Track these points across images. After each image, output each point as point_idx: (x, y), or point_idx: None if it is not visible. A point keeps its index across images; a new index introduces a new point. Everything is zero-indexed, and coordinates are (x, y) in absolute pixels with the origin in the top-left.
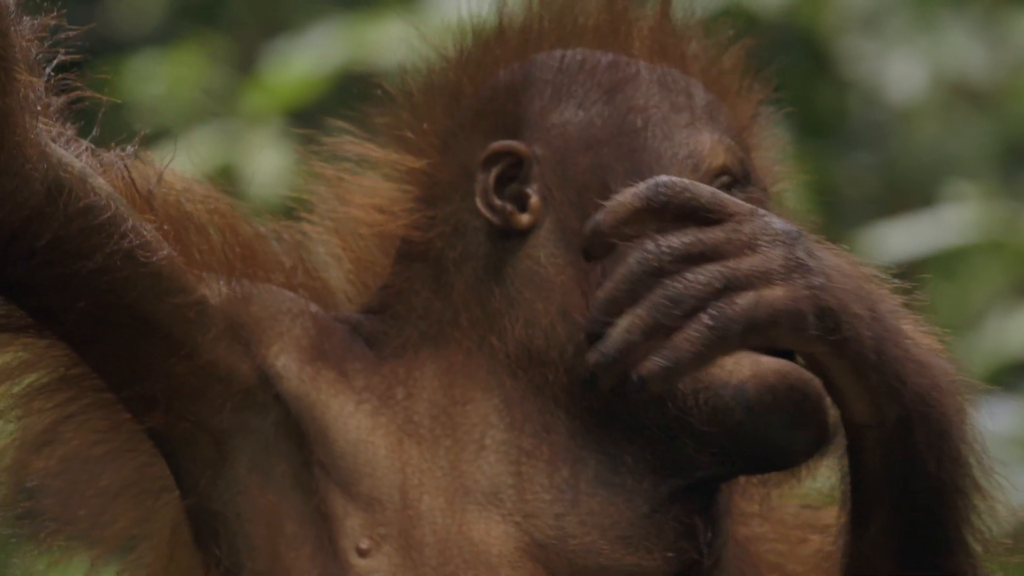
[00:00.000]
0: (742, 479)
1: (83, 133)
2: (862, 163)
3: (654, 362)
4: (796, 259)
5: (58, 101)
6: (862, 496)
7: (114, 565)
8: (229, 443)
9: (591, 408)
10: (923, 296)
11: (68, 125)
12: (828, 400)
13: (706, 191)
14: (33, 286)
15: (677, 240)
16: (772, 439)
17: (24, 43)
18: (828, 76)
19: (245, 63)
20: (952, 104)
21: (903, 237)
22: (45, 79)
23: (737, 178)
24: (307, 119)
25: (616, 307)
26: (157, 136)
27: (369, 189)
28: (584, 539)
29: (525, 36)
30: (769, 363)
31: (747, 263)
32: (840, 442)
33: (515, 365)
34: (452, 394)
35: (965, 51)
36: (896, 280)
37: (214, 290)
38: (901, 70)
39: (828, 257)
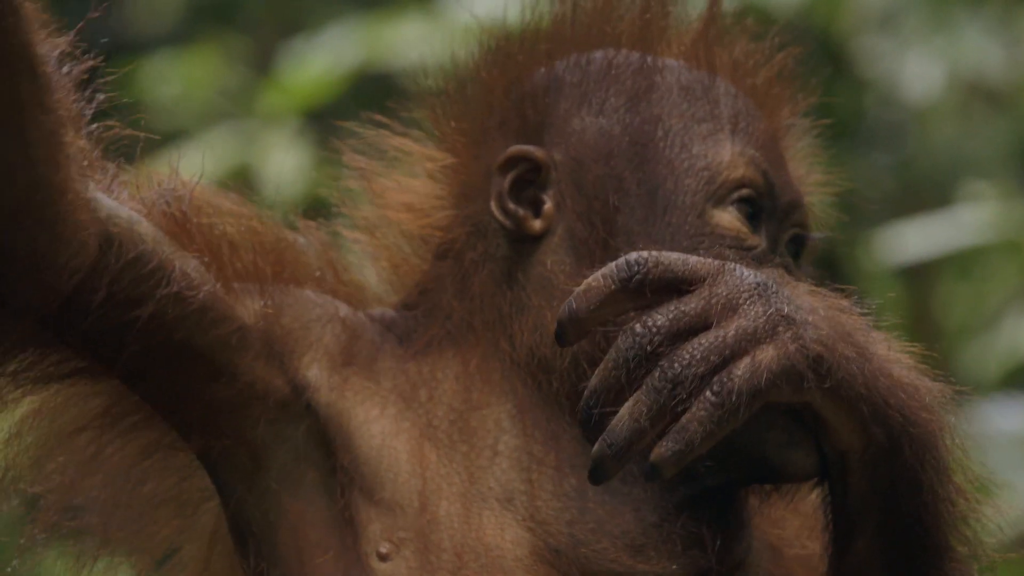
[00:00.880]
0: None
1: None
2: (878, 163)
3: (667, 448)
4: (776, 311)
5: (97, 144)
6: (847, 516)
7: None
8: (264, 454)
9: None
10: (895, 311)
11: (108, 165)
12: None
13: (675, 260)
14: (88, 338)
15: (662, 318)
16: (769, 456)
17: (67, 101)
18: (845, 76)
19: (262, 63)
20: (969, 104)
21: (919, 237)
22: (86, 123)
23: (759, 191)
24: (324, 119)
25: (612, 395)
26: (174, 136)
27: (401, 186)
28: (596, 546)
29: (557, 37)
30: None
31: (733, 328)
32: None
33: (525, 371)
34: (469, 398)
35: (981, 51)
36: (862, 300)
37: (249, 308)
38: (917, 70)
39: (802, 298)
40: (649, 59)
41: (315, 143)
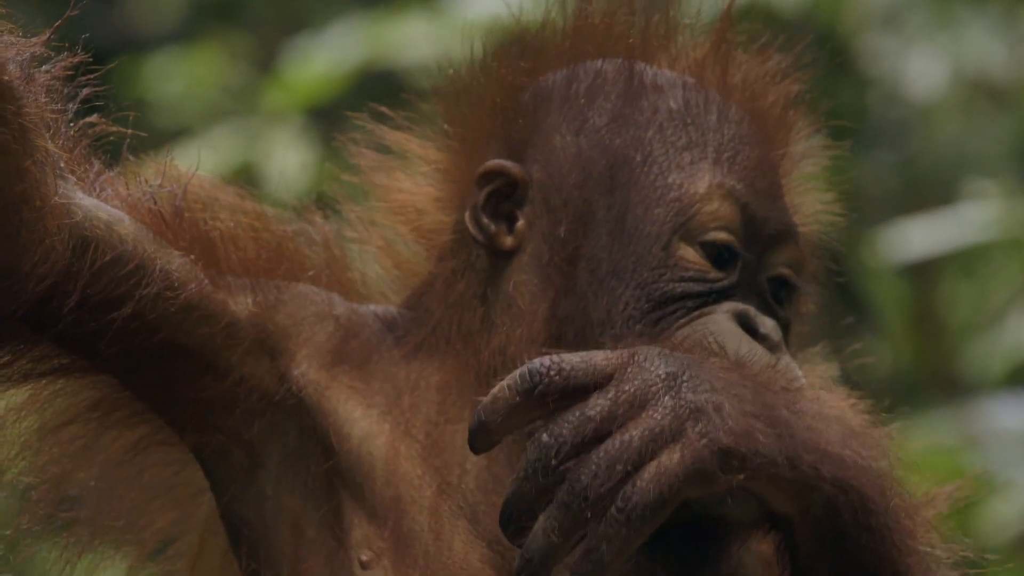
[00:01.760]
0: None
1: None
2: (882, 161)
3: (582, 569)
4: (685, 403)
5: (82, 141)
6: (799, 563)
7: (150, 568)
8: (259, 451)
9: None
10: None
11: (94, 163)
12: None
13: (577, 365)
14: (66, 338)
15: (568, 427)
16: (710, 510)
17: (34, 107)
18: (848, 74)
19: (265, 61)
20: (972, 102)
21: (923, 235)
22: (68, 117)
23: (732, 226)
24: (327, 117)
25: (527, 505)
26: (178, 134)
27: (403, 184)
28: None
29: (556, 46)
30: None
31: (639, 431)
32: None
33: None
34: (445, 411)
35: (985, 49)
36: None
37: (241, 304)
38: (921, 68)
39: (716, 378)
40: (641, 77)
41: (319, 141)
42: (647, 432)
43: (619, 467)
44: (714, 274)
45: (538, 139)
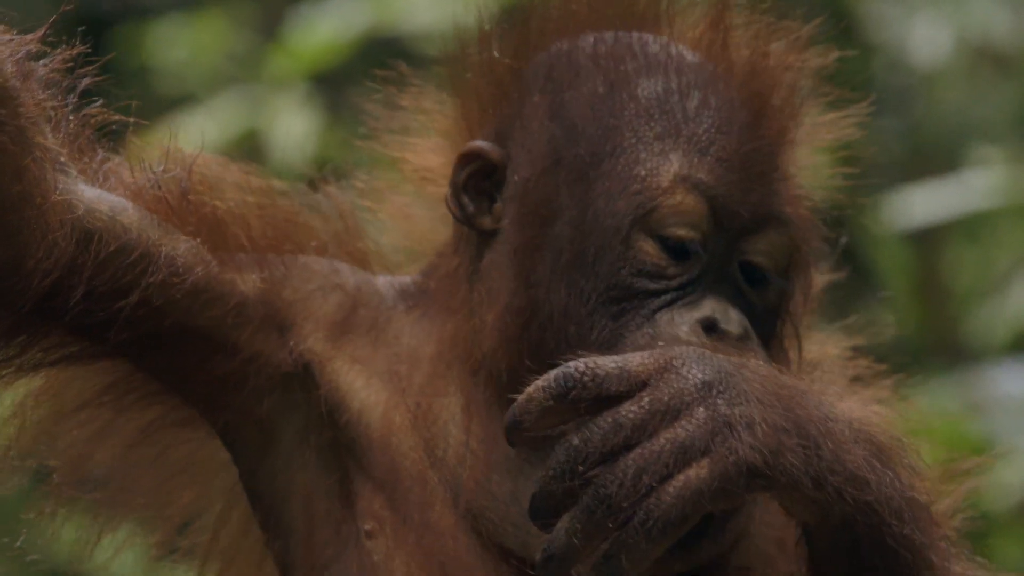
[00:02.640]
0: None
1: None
2: (887, 128)
3: (601, 572)
4: (717, 416)
5: (85, 130)
6: (817, 562)
7: (173, 545)
8: (272, 427)
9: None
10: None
11: (96, 151)
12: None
13: (612, 368)
14: (75, 327)
15: (597, 434)
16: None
17: (38, 98)
18: (853, 40)
19: (269, 27)
20: (976, 68)
21: (927, 201)
22: (69, 108)
23: (695, 219)
24: (332, 84)
25: (553, 503)
26: (181, 101)
27: (417, 150)
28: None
29: (550, 22)
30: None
31: (669, 442)
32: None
33: (472, 367)
34: (435, 384)
35: (989, 15)
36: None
37: (249, 282)
38: (926, 34)
39: (750, 389)
40: (626, 60)
41: (323, 107)
42: (677, 445)
43: (645, 479)
44: (673, 269)
45: (520, 121)
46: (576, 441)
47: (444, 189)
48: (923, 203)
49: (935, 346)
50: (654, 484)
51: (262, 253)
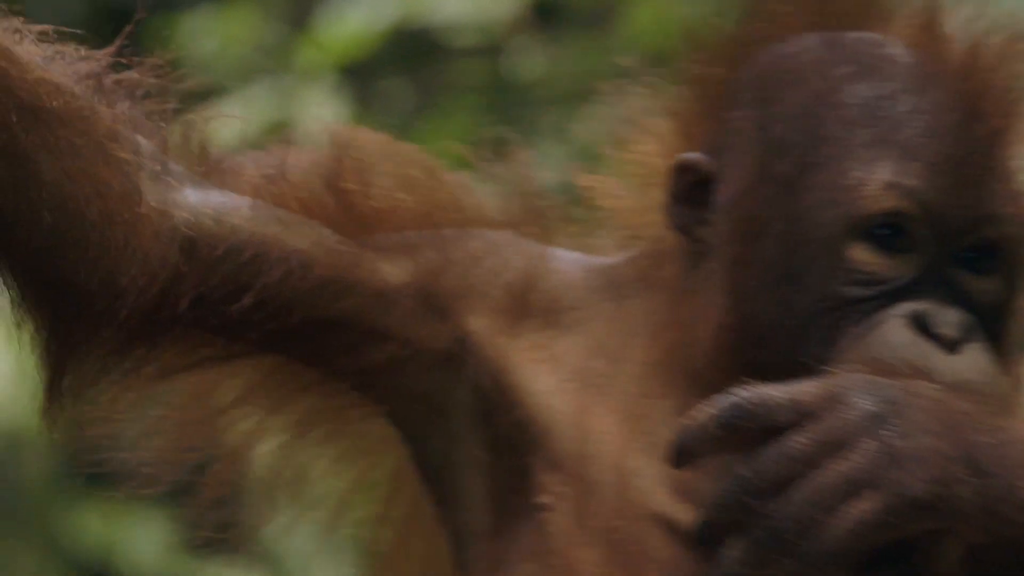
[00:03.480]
0: None
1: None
2: None
3: None
4: (885, 449)
5: (189, 134)
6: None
7: (342, 526)
8: (439, 404)
9: None
10: None
11: (206, 151)
12: None
13: (781, 401)
14: (200, 331)
15: (765, 466)
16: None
17: (117, 112)
18: None
19: (299, 19)
20: None
21: None
22: (166, 115)
23: (906, 224)
24: (361, 75)
25: (719, 531)
26: (211, 93)
27: (641, 149)
28: None
29: (763, 25)
30: None
31: (837, 477)
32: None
33: (690, 375)
34: (647, 384)
35: None
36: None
37: (398, 266)
38: None
39: (921, 417)
40: (836, 66)
41: (352, 99)
42: (845, 478)
43: (813, 512)
44: (886, 274)
45: (730, 134)
46: (745, 472)
47: (662, 191)
48: None
49: None
50: (822, 517)
51: (417, 235)
